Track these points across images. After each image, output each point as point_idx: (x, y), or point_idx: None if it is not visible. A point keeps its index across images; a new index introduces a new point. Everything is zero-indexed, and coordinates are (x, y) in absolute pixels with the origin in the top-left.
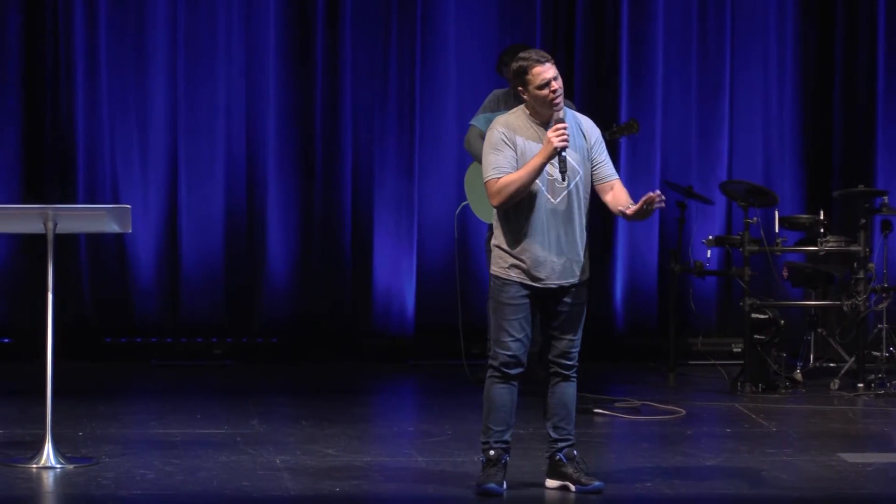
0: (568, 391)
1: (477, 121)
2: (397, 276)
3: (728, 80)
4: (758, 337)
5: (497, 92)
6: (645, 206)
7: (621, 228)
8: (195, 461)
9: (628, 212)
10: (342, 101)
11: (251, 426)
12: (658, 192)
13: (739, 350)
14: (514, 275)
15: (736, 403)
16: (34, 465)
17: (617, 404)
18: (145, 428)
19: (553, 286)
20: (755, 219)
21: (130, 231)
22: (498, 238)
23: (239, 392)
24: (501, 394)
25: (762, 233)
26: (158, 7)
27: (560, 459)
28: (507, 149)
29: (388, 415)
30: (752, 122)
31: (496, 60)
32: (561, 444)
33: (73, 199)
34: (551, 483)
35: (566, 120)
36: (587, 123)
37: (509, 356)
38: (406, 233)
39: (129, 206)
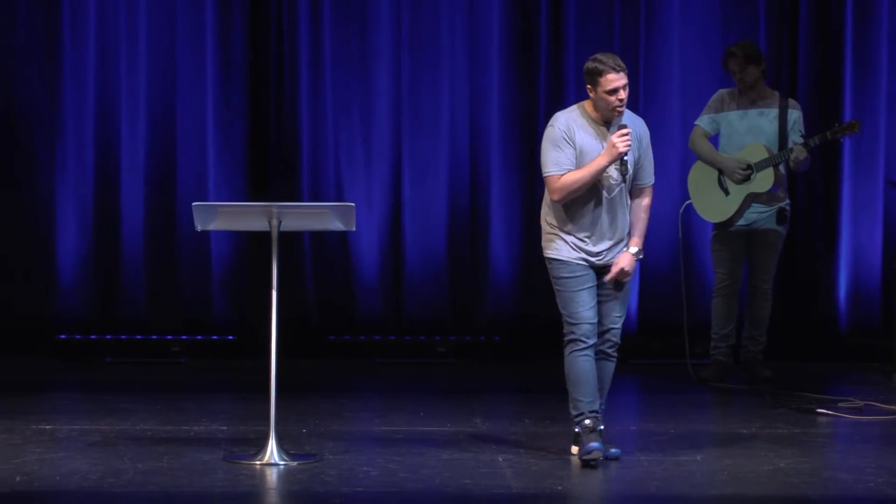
0: (606, 367)
1: (701, 121)
2: None
3: None
4: None
5: (722, 92)
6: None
7: (845, 228)
8: (418, 458)
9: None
10: (565, 99)
11: (474, 424)
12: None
13: None
14: (570, 255)
15: None
16: (258, 462)
17: (840, 404)
18: (368, 425)
19: (604, 263)
20: None
21: (354, 229)
22: (553, 222)
23: (462, 390)
24: (584, 365)
25: None
26: (382, 7)
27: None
28: (568, 146)
29: (609, 413)
30: None
31: (720, 60)
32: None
33: (297, 197)
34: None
35: (626, 122)
36: (641, 126)
37: (588, 324)
38: None
39: (353, 204)
